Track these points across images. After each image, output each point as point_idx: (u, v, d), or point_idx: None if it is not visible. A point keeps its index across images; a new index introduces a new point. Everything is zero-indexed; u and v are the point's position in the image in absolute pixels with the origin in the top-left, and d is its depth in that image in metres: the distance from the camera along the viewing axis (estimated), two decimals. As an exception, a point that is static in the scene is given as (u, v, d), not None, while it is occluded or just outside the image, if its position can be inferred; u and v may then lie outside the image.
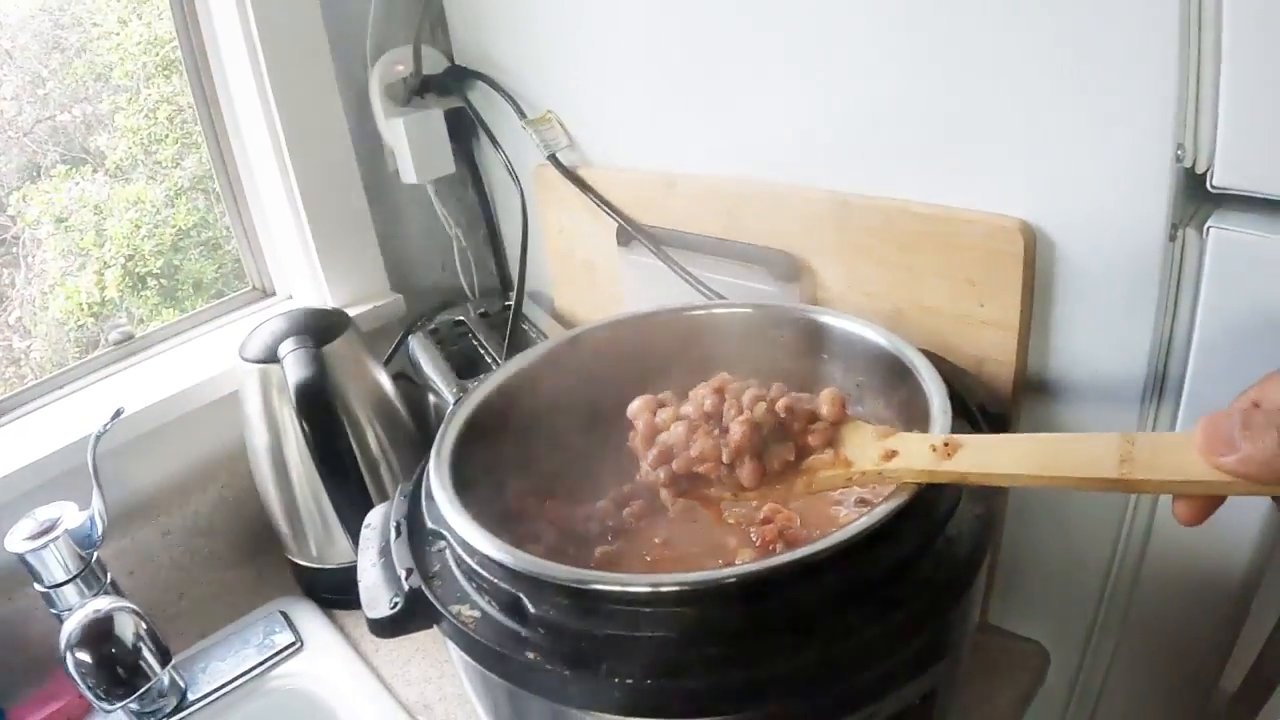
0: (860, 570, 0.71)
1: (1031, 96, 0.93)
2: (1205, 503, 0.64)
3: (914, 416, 0.88)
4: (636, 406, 0.90)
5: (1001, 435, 0.79)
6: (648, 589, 0.70)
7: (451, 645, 0.81)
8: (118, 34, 1.82)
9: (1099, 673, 1.20)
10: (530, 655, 0.72)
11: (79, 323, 1.91)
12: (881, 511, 0.73)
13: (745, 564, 0.72)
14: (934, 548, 0.76)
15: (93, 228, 1.92)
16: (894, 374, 0.95)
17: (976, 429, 0.89)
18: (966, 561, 0.76)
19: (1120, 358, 0.98)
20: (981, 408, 0.92)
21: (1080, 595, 1.15)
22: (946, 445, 0.76)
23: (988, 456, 0.74)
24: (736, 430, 0.82)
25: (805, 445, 0.84)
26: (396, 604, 0.81)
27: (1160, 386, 0.98)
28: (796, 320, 1.06)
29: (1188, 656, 1.11)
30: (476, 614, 0.77)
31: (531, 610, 0.72)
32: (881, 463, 0.79)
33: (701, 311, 1.11)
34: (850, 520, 0.74)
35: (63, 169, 1.89)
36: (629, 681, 0.68)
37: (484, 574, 0.77)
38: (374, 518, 0.95)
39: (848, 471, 0.81)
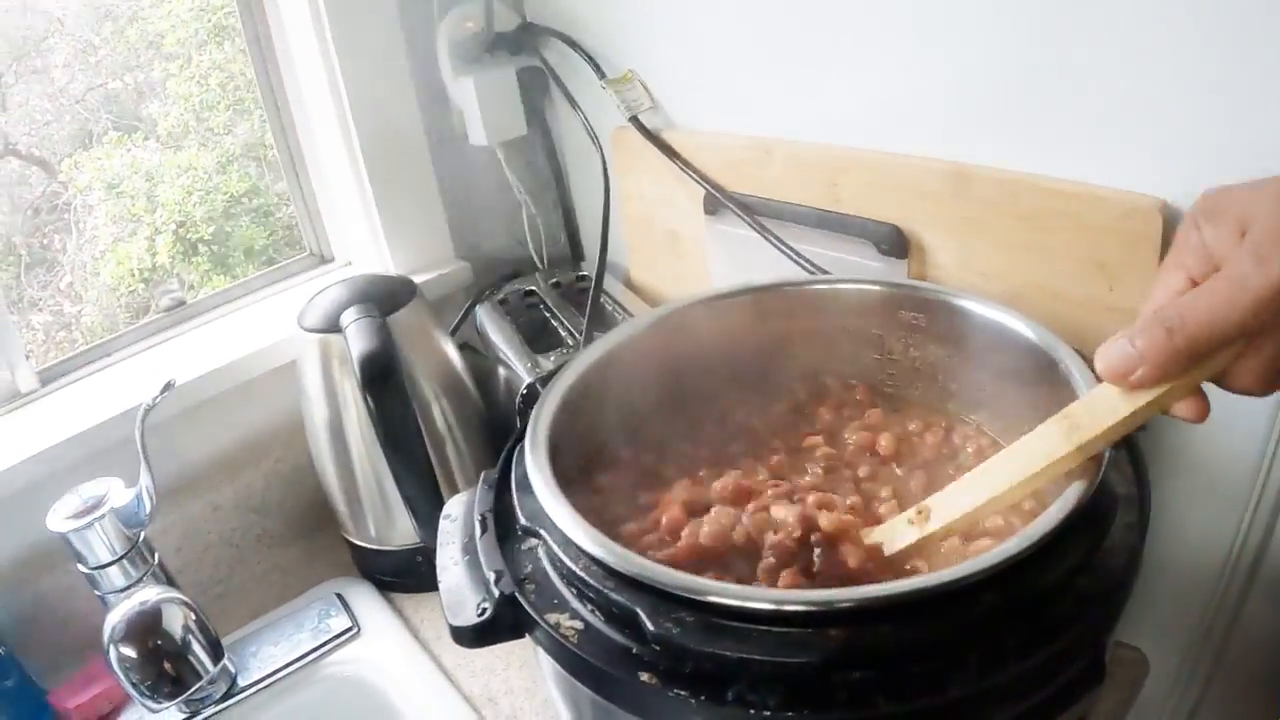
0: (1021, 589, 0.64)
1: (1181, 64, 0.85)
2: (1191, 402, 0.63)
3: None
4: None
5: (961, 479, 0.78)
6: (792, 607, 0.63)
7: (543, 654, 0.73)
8: (169, 1, 1.83)
9: (1198, 684, 1.14)
10: (645, 677, 0.65)
11: (130, 289, 1.94)
12: (1048, 521, 0.65)
13: (897, 582, 0.63)
14: (1092, 563, 0.69)
15: (144, 194, 1.96)
16: (1037, 370, 0.86)
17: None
18: (1123, 574, 0.70)
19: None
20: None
21: (1188, 604, 1.10)
22: (919, 514, 0.78)
23: (954, 504, 0.76)
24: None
25: None
26: (485, 610, 0.74)
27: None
28: (930, 302, 0.98)
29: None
30: (579, 625, 0.70)
31: (649, 626, 0.64)
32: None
33: (823, 286, 1.04)
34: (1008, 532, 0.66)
35: (114, 136, 1.90)
36: (765, 713, 0.61)
37: (590, 581, 0.69)
38: (454, 508, 0.88)
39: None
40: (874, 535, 0.80)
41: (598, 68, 1.40)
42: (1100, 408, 0.67)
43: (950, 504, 0.77)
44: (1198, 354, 0.59)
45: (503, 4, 1.50)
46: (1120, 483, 0.77)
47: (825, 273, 1.15)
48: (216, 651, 1.15)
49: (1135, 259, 0.92)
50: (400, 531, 1.31)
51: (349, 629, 1.29)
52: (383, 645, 1.27)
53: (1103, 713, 1.08)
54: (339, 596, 1.35)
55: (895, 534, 0.79)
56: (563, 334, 1.41)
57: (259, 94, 1.55)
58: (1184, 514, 1.04)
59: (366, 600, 1.35)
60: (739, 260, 1.30)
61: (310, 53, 1.43)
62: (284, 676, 1.23)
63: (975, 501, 0.74)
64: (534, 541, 0.78)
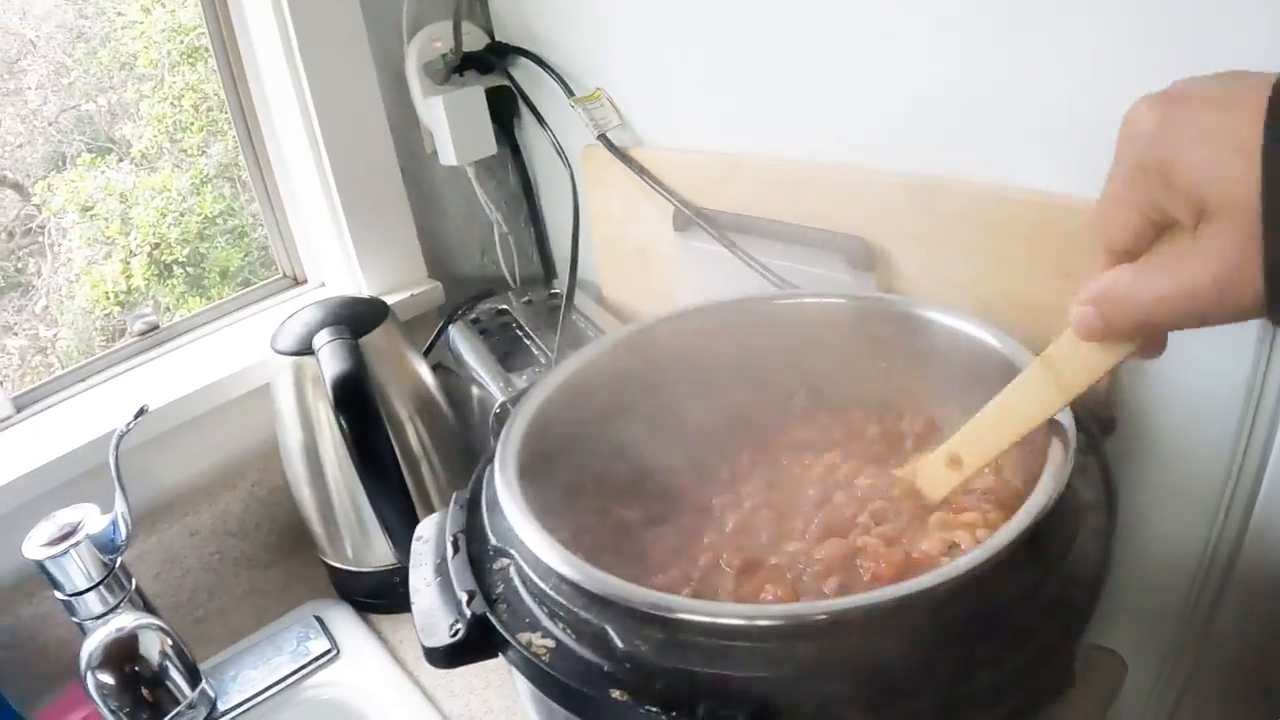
0: (987, 599, 0.64)
1: (1146, 70, 0.84)
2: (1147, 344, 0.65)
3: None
4: None
5: (971, 423, 0.81)
6: (757, 622, 0.63)
7: (518, 675, 0.73)
8: (141, 23, 1.86)
9: (1176, 687, 1.14)
10: (617, 694, 0.65)
11: (105, 311, 1.92)
12: (1008, 535, 0.65)
13: (862, 595, 0.64)
14: (1059, 570, 0.69)
15: (118, 216, 1.94)
16: (1004, 380, 0.86)
17: (1089, 435, 0.82)
18: (1091, 581, 0.70)
19: (1225, 347, 0.91)
20: (1090, 412, 0.85)
21: (1164, 606, 1.09)
22: (953, 460, 0.83)
23: (980, 449, 0.81)
24: None
25: None
26: (457, 631, 0.75)
27: (1265, 372, 0.91)
28: (900, 315, 0.99)
29: (1272, 675, 1.04)
30: (551, 644, 0.70)
31: (619, 644, 0.64)
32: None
33: (790, 300, 1.04)
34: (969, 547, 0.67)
35: (88, 158, 1.89)
36: (735, 727, 0.61)
37: (560, 600, 0.69)
38: (426, 529, 0.88)
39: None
40: (916, 478, 0.87)
41: (566, 86, 1.40)
42: (1079, 360, 0.68)
43: (975, 449, 0.81)
44: (1149, 329, 0.61)
45: (471, 24, 1.51)
46: (1087, 489, 0.77)
47: (795, 286, 1.16)
48: (194, 676, 1.14)
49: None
50: (377, 553, 1.31)
51: (328, 651, 1.28)
52: (362, 667, 1.27)
53: (1081, 716, 1.08)
54: (318, 619, 1.34)
55: (936, 480, 0.85)
56: (535, 352, 1.41)
57: (230, 116, 1.54)
58: (1157, 515, 1.04)
59: (345, 622, 1.34)
60: (708, 277, 1.30)
61: (279, 74, 1.43)
62: (263, 700, 1.22)
63: (999, 447, 0.79)
64: (505, 561, 0.78)
